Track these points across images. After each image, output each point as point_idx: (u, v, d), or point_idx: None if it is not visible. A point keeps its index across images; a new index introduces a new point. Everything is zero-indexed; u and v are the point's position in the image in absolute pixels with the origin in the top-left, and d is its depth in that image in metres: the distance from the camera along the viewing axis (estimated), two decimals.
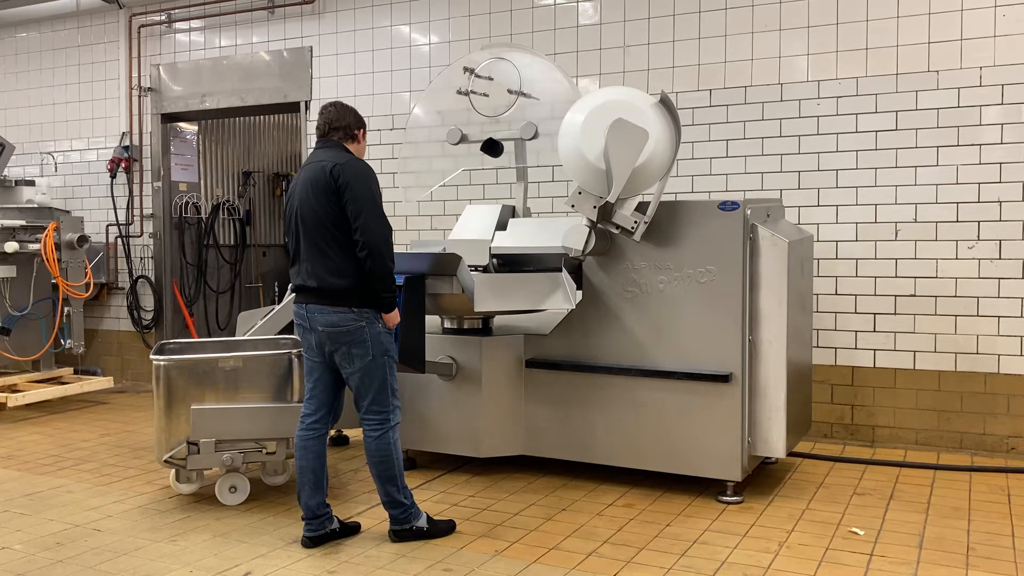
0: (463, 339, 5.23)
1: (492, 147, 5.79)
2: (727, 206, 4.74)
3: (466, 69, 5.97)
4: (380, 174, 6.76)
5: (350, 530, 4.36)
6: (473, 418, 5.19)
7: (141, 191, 8.69)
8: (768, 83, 6.14)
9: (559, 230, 5.07)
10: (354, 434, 6.23)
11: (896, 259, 5.84)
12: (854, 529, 4.39)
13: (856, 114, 5.91)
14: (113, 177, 8.64)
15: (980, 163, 5.63)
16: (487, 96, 5.93)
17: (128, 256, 8.73)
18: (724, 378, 4.74)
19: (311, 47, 7.80)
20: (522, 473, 5.35)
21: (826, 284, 6.01)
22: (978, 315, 5.65)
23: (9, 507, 4.89)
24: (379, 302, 4.08)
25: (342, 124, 4.24)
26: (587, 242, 4.86)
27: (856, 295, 5.96)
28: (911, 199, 5.80)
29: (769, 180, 6.16)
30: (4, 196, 8.23)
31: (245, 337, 5.42)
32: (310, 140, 7.68)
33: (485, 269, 5.21)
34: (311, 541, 4.21)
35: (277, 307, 5.61)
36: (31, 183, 8.42)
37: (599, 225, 4.84)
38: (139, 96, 8.65)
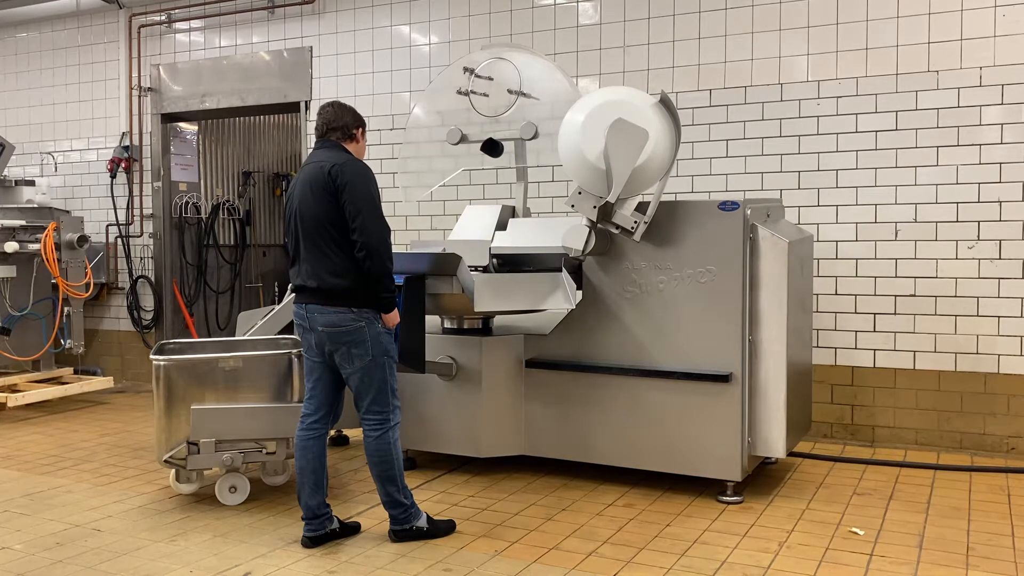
0: (463, 339, 5.23)
1: (492, 147, 5.79)
2: (727, 206, 4.74)
3: (466, 69, 5.97)
4: (380, 174, 6.79)
5: (350, 530, 4.36)
6: (473, 418, 5.19)
7: (141, 191, 8.69)
8: (768, 83, 6.14)
9: (559, 230, 5.07)
10: (354, 434, 6.23)
11: (896, 259, 5.84)
12: (854, 529, 4.39)
13: (856, 114, 5.91)
14: (113, 177, 8.64)
15: (980, 163, 5.63)
16: (487, 96, 5.93)
17: (128, 256, 8.73)
18: (724, 378, 4.74)
19: (311, 47, 7.80)
20: (522, 473, 5.35)
21: (826, 284, 6.01)
22: (978, 315, 5.65)
23: (9, 507, 4.89)
24: (378, 302, 4.08)
25: (340, 124, 4.24)
26: (587, 242, 4.86)
27: (856, 295, 5.96)
28: (911, 199, 5.80)
29: (769, 180, 6.16)
30: (4, 196, 8.23)
31: (245, 337, 5.42)
32: (310, 140, 7.68)
33: (485, 269, 5.21)
34: (311, 541, 4.21)
35: (277, 307, 5.61)
36: (31, 183, 8.42)
37: (599, 225, 4.84)
38: (139, 96, 8.65)
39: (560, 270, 5.05)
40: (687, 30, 6.36)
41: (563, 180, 6.56)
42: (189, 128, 9.04)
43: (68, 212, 8.24)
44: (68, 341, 8.02)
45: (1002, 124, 5.58)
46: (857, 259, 5.94)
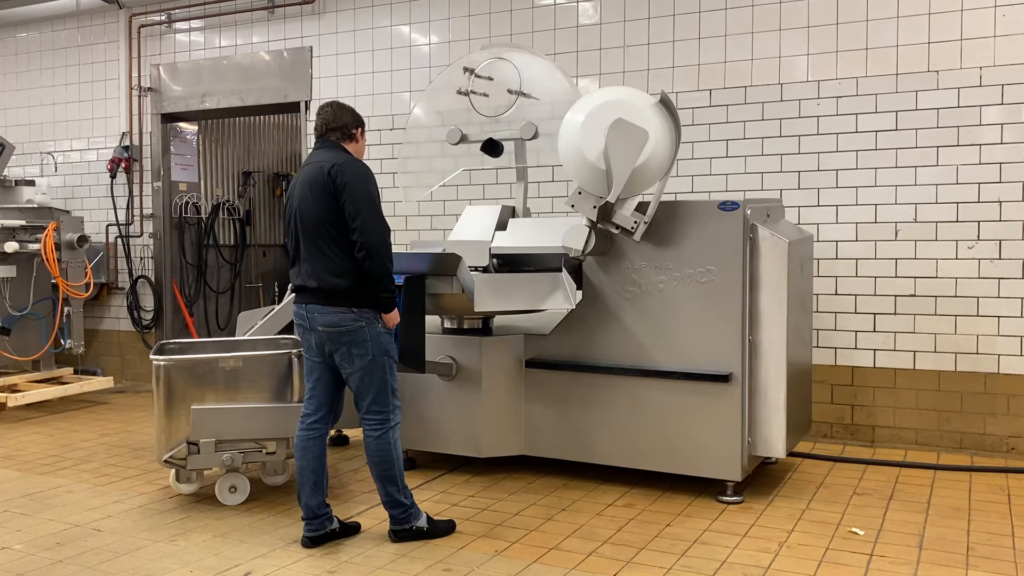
0: (463, 339, 5.23)
1: (492, 147, 5.79)
2: (727, 206, 4.74)
3: (466, 69, 5.97)
4: (380, 174, 6.80)
5: (350, 530, 4.36)
6: (473, 418, 5.19)
7: (141, 191, 8.69)
8: (768, 83, 6.14)
9: (559, 230, 5.07)
10: (354, 434, 6.23)
11: (896, 259, 5.84)
12: (854, 529, 4.39)
13: (856, 114, 5.91)
14: (113, 177, 8.64)
15: (980, 163, 5.63)
16: (487, 96, 5.93)
17: (128, 256, 8.73)
18: (724, 378, 4.74)
19: (311, 47, 7.80)
20: (522, 473, 5.35)
21: (826, 284, 6.01)
22: (978, 315, 5.65)
23: (9, 507, 4.89)
24: (378, 302, 4.08)
25: (339, 124, 4.24)
26: (587, 242, 4.86)
27: (856, 295, 5.96)
28: (911, 199, 5.80)
29: (769, 180, 6.16)
30: (4, 196, 8.23)
31: (245, 337, 5.42)
32: (310, 140, 7.68)
33: (485, 269, 5.21)
34: (311, 541, 4.21)
35: (277, 307, 5.61)
36: (31, 183, 8.42)
37: (599, 225, 4.84)
38: (139, 96, 8.65)
39: (560, 270, 5.05)
40: (687, 30, 6.36)
41: (563, 180, 6.57)
42: (189, 128, 9.04)
43: (68, 212, 8.24)
44: (68, 341, 8.02)
45: (1002, 124, 5.58)
46: (857, 259, 5.94)
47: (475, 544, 4.23)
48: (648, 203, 4.80)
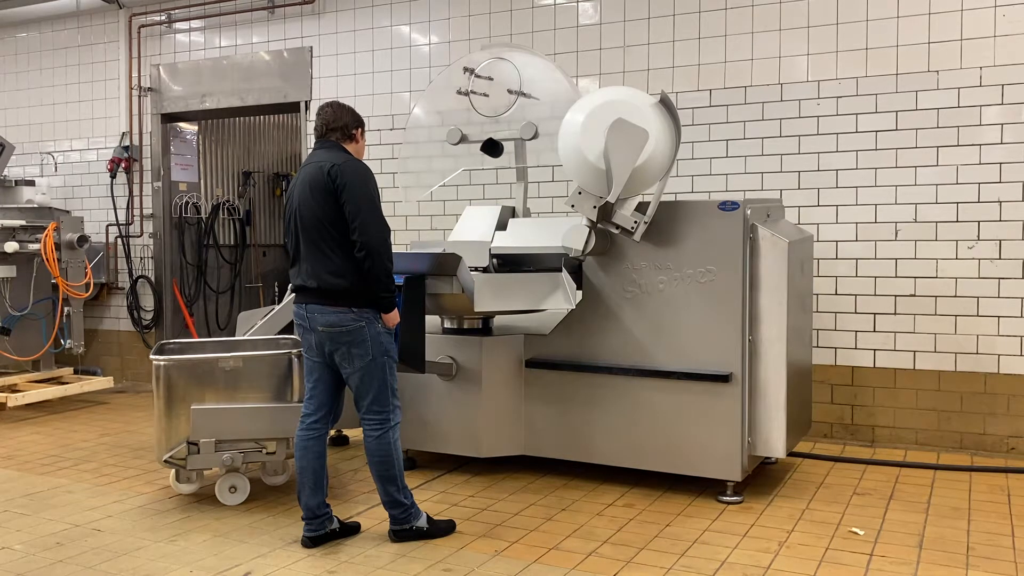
0: (463, 339, 5.23)
1: (492, 147, 5.79)
2: (727, 206, 4.74)
3: (466, 69, 5.97)
4: (380, 174, 6.80)
5: (350, 530, 4.36)
6: (473, 418, 5.19)
7: (141, 191, 8.69)
8: (768, 83, 6.14)
9: (559, 230, 5.07)
10: (354, 434, 6.23)
11: (896, 259, 5.84)
12: (854, 529, 4.39)
13: (856, 114, 5.91)
14: (113, 177, 8.64)
15: (980, 163, 5.63)
16: (487, 96, 5.93)
17: (128, 256, 8.73)
18: (724, 378, 4.74)
19: (311, 47, 7.80)
20: (522, 473, 5.35)
21: (826, 284, 6.01)
22: (978, 315, 5.65)
23: (9, 507, 4.89)
24: (378, 302, 4.08)
25: (339, 124, 4.24)
26: (587, 242, 4.86)
27: (856, 295, 5.96)
28: (911, 199, 5.80)
29: (769, 180, 6.16)
30: (4, 196, 8.23)
31: (245, 337, 5.42)
32: (310, 140, 7.68)
33: (485, 270, 5.21)
34: (311, 541, 4.21)
35: (277, 307, 5.61)
36: (31, 183, 8.42)
37: (599, 225, 4.84)
38: (139, 96, 8.65)
39: (560, 270, 5.05)
40: (687, 30, 6.36)
41: (563, 180, 6.56)
42: (189, 128, 9.04)
43: (68, 212, 8.24)
44: (68, 341, 8.02)
45: (1002, 124, 5.58)
46: (857, 259, 5.94)
47: (475, 544, 4.23)
48: (648, 203, 4.80)
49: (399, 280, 4.39)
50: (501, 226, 5.66)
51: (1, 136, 8.27)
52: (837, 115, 5.95)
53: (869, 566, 3.93)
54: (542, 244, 5.32)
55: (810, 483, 5.16)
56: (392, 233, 4.20)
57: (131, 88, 8.64)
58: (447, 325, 5.42)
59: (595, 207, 4.77)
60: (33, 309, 7.76)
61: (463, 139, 5.86)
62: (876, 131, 5.86)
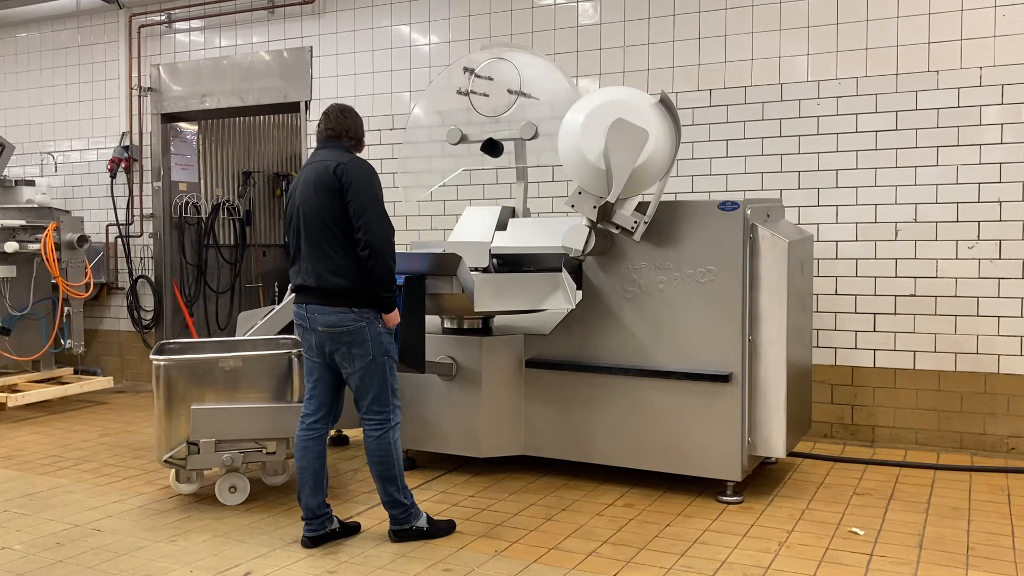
0: (463, 339, 5.23)
1: (492, 147, 5.79)
2: (727, 206, 4.74)
3: (466, 69, 5.97)
4: (380, 174, 6.71)
5: (350, 530, 4.36)
6: (473, 418, 5.19)
7: (141, 191, 8.69)
8: (768, 83, 6.14)
9: (559, 230, 5.07)
10: (354, 434, 6.23)
11: (896, 259, 5.84)
12: (854, 529, 4.39)
13: (856, 114, 5.91)
14: (113, 177, 8.64)
15: (980, 163, 5.63)
16: (487, 96, 5.93)
17: (128, 256, 8.73)
18: (724, 378, 4.74)
19: (311, 47, 7.80)
20: (522, 473, 5.35)
21: (826, 284, 6.01)
22: (978, 315, 5.65)
23: (9, 507, 4.89)
24: (379, 302, 4.08)
25: (344, 127, 4.26)
26: (587, 242, 4.86)
27: (856, 295, 5.96)
28: (911, 199, 5.80)
29: (769, 180, 6.16)
30: (4, 196, 8.23)
31: (245, 337, 5.42)
32: (310, 140, 7.68)
33: (485, 270, 5.21)
34: (311, 541, 4.21)
35: (277, 307, 5.61)
36: (31, 183, 8.42)
37: (599, 225, 4.84)
38: (139, 96, 8.65)
39: (560, 270, 5.05)
40: (687, 30, 6.36)
41: (563, 180, 6.56)
42: (189, 128, 9.04)
43: (68, 212, 8.24)
44: (68, 341, 8.02)
45: (1002, 124, 5.58)
46: (857, 259, 5.94)
47: (475, 544, 4.23)
48: (648, 203, 4.80)
49: (399, 280, 4.40)
50: (501, 226, 5.65)
51: (1, 136, 8.27)
52: (837, 115, 5.95)
53: (869, 566, 3.93)
54: (542, 244, 5.32)
55: (810, 483, 5.16)
56: (395, 233, 4.20)
57: (131, 88, 8.64)
58: (447, 325, 5.42)
59: (595, 207, 4.76)
60: (33, 309, 7.76)
61: (463, 139, 5.86)
62: (876, 131, 5.86)
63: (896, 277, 5.85)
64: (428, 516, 4.35)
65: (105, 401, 7.94)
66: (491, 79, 5.93)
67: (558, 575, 3.87)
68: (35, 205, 8.14)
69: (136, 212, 8.71)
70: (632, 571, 3.91)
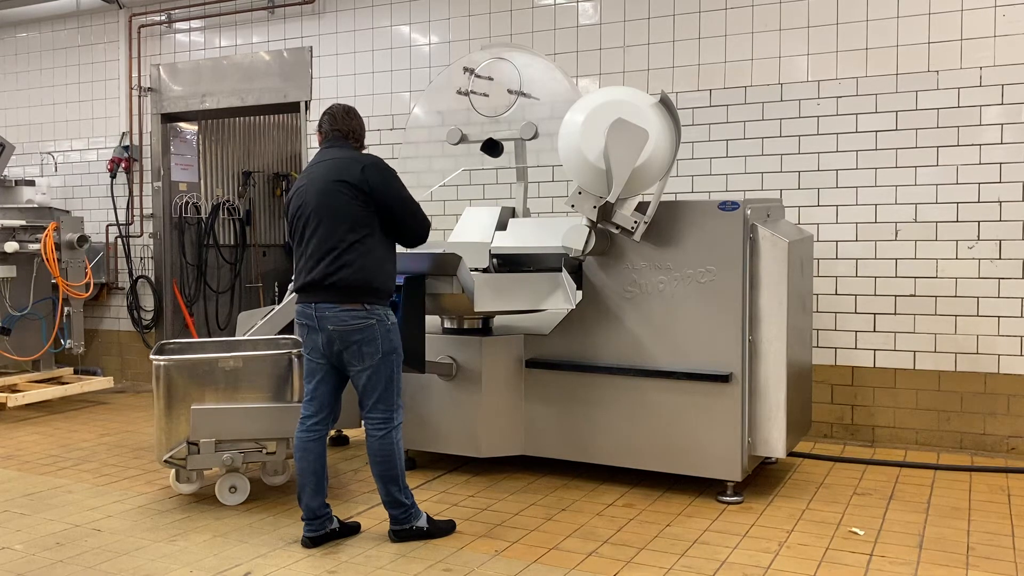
0: (463, 339, 5.23)
1: (492, 147, 5.79)
2: (727, 206, 4.74)
3: (466, 69, 5.97)
4: None
5: (350, 530, 4.36)
6: (473, 418, 5.19)
7: (141, 191, 8.69)
8: (768, 83, 6.14)
9: (559, 230, 5.07)
10: (354, 434, 6.23)
11: (896, 259, 5.84)
12: (854, 529, 4.39)
13: (856, 114, 5.91)
14: (113, 177, 8.64)
15: (980, 163, 5.63)
16: (487, 96, 5.93)
17: (128, 256, 8.73)
18: (724, 378, 4.74)
19: (311, 47, 7.80)
20: (522, 473, 5.35)
21: (826, 284, 6.01)
22: (978, 315, 5.65)
23: (9, 507, 4.89)
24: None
25: (350, 128, 4.28)
26: (587, 242, 4.86)
27: (856, 295, 5.96)
28: (911, 199, 5.80)
29: (769, 180, 6.16)
30: (4, 196, 8.23)
31: (245, 337, 5.42)
32: (310, 140, 7.68)
33: (485, 271, 5.21)
34: (311, 541, 4.21)
35: (277, 307, 5.60)
36: (31, 183, 8.42)
37: (599, 225, 4.84)
38: (139, 96, 8.65)
39: (560, 270, 5.05)
40: (687, 30, 6.36)
41: (563, 180, 6.56)
42: (189, 128, 9.04)
43: (68, 212, 8.24)
44: (68, 341, 8.02)
45: (1002, 124, 5.58)
46: (857, 259, 5.94)
47: (475, 544, 4.23)
48: (648, 203, 4.80)
49: (399, 280, 4.40)
50: (501, 226, 5.65)
51: (1, 136, 8.26)
52: (837, 115, 5.95)
53: (869, 566, 3.93)
54: (542, 244, 5.32)
55: (810, 483, 5.16)
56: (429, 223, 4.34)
57: (131, 88, 8.64)
58: (447, 325, 5.42)
59: (595, 207, 4.76)
60: (33, 309, 7.76)
61: (463, 139, 5.86)
62: (876, 131, 5.86)
63: (896, 277, 5.85)
64: (428, 516, 4.35)
65: (105, 401, 7.94)
66: (491, 79, 5.93)
67: (558, 575, 3.87)
68: (35, 205, 8.14)
69: (136, 212, 8.71)
70: (632, 571, 3.91)
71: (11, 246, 7.48)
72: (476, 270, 5.11)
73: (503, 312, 5.25)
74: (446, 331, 5.39)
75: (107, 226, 8.78)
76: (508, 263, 5.32)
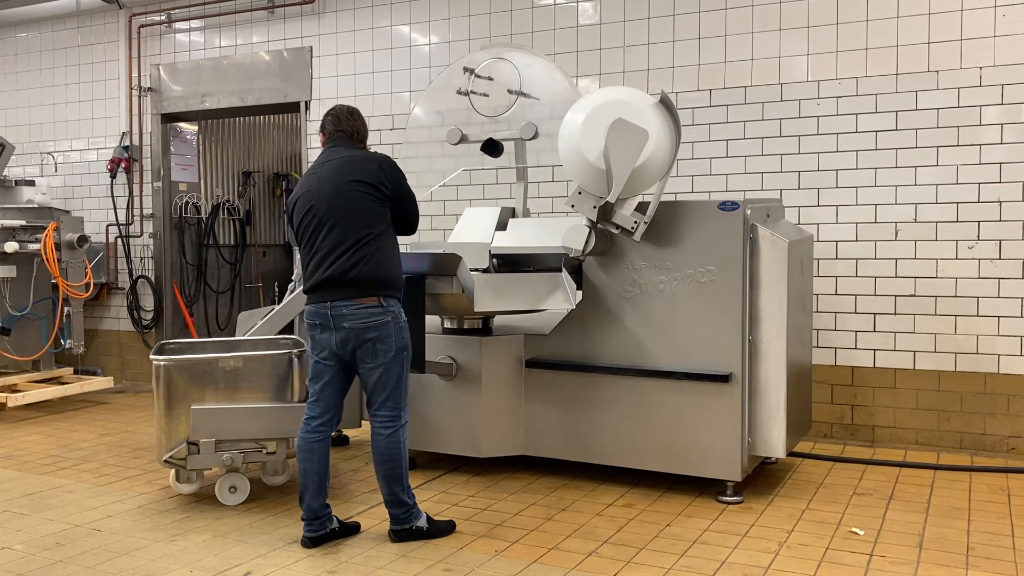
0: (463, 339, 5.23)
1: (492, 147, 5.79)
2: (727, 206, 4.74)
3: (466, 69, 5.97)
4: None
5: (350, 530, 4.36)
6: (473, 418, 5.19)
7: (141, 191, 8.69)
8: (768, 83, 6.14)
9: (559, 230, 5.07)
10: (354, 434, 6.22)
11: (896, 259, 5.84)
12: (854, 529, 4.39)
13: (856, 114, 5.91)
14: (113, 177, 8.64)
15: (980, 163, 5.63)
16: (487, 96, 5.93)
17: (128, 256, 8.73)
18: (724, 378, 4.74)
19: (311, 47, 7.80)
20: (522, 473, 5.35)
21: (826, 284, 6.01)
22: (978, 315, 5.65)
23: (9, 507, 4.89)
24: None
25: (354, 129, 4.32)
26: (587, 242, 4.86)
27: (856, 295, 5.96)
28: (911, 199, 5.80)
29: (769, 180, 6.16)
30: (4, 196, 8.22)
31: (245, 337, 5.42)
32: (310, 140, 7.68)
33: (485, 270, 5.21)
34: (311, 541, 4.21)
35: (277, 307, 5.60)
36: (31, 183, 8.41)
37: (599, 225, 4.84)
38: (139, 96, 8.65)
39: (560, 270, 5.05)
40: (687, 30, 6.36)
41: (563, 180, 6.56)
42: (189, 128, 9.04)
43: (68, 212, 8.24)
44: (68, 341, 8.02)
45: (1002, 124, 5.58)
46: (857, 259, 5.94)
47: (475, 544, 4.23)
48: (648, 203, 4.80)
49: None
50: (501, 226, 5.65)
51: (1, 136, 8.26)
52: (837, 115, 5.95)
53: (869, 566, 3.93)
54: (542, 244, 5.32)
55: (810, 483, 5.16)
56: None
57: (131, 88, 8.64)
58: (447, 325, 5.42)
59: (595, 207, 4.76)
60: (33, 309, 7.76)
61: (463, 139, 5.86)
62: (876, 131, 5.86)
63: (896, 277, 5.85)
64: (428, 516, 4.35)
65: (105, 401, 7.94)
66: (491, 79, 5.93)
67: (558, 575, 3.87)
68: (35, 205, 8.14)
69: (136, 212, 8.71)
70: (632, 571, 3.91)
71: (11, 246, 7.48)
72: (476, 270, 5.11)
73: (503, 312, 5.25)
74: (446, 331, 5.39)
75: (107, 226, 8.78)
76: (508, 263, 5.32)
